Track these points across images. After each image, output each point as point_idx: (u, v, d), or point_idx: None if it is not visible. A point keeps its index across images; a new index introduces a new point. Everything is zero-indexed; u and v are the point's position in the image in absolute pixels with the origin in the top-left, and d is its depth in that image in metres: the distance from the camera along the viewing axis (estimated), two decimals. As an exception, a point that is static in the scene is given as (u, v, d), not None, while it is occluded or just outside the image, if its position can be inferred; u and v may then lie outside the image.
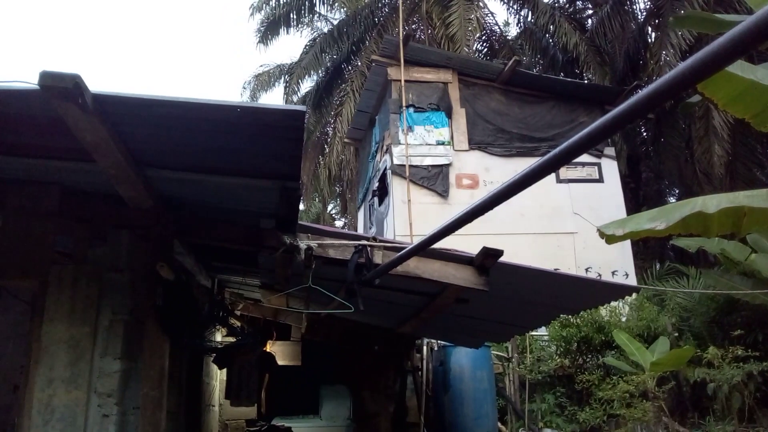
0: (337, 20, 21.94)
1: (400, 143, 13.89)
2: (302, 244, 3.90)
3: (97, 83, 2.42)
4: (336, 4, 22.47)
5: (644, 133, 20.11)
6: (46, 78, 2.29)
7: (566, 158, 1.88)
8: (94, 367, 3.62)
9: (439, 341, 9.29)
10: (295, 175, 3.26)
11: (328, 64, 20.81)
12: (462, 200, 12.95)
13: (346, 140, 18.87)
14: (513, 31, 22.16)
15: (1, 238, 3.73)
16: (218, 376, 8.57)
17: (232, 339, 6.80)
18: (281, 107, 2.81)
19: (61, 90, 2.32)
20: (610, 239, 4.97)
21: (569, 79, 16.92)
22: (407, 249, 3.65)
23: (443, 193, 13.69)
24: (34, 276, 3.74)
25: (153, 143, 3.08)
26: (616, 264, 13.46)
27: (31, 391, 3.56)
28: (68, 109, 2.44)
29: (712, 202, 4.65)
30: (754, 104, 4.70)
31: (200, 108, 2.63)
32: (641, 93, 1.52)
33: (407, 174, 13.50)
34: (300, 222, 4.00)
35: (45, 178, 3.72)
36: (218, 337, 7.17)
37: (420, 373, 9.21)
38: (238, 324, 7.52)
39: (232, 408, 8.48)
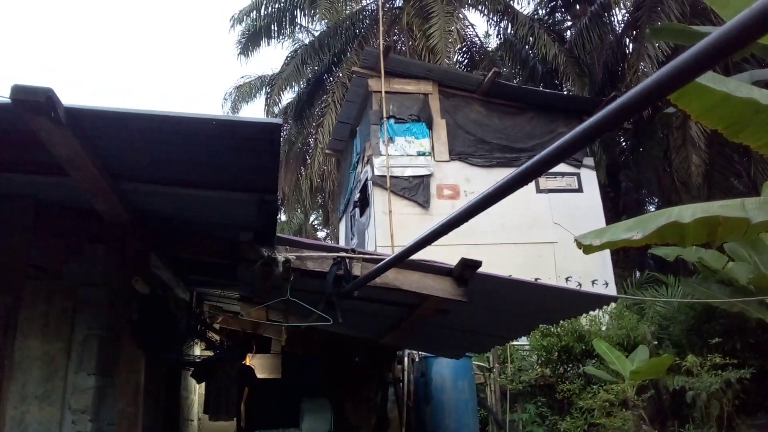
0: (319, 32, 22.02)
1: (381, 154, 13.91)
2: (280, 257, 3.88)
3: (80, 94, 2.40)
4: (317, 16, 22.47)
5: (623, 143, 20.33)
6: (18, 92, 2.27)
7: (541, 169, 1.89)
8: (68, 383, 3.57)
9: (420, 352, 9.27)
10: (273, 187, 3.25)
11: (310, 76, 20.83)
12: (443, 211, 12.96)
13: (327, 151, 18.86)
14: (493, 43, 22.43)
15: (-26, 253, 3.68)
16: (197, 390, 8.50)
17: (210, 353, 6.75)
18: (257, 120, 2.80)
19: (33, 104, 2.30)
20: (588, 249, 5.01)
21: (548, 90, 17.10)
22: (385, 260, 3.65)
23: (424, 204, 13.72)
24: (7, 291, 3.68)
25: (128, 157, 3.05)
26: (596, 273, 13.55)
27: (4, 408, 3.50)
28: (41, 123, 2.41)
29: (687, 212, 4.71)
30: (727, 116, 4.76)
31: (175, 121, 2.61)
32: (611, 106, 1.54)
33: (388, 185, 13.51)
34: (279, 234, 3.98)
35: (19, 192, 3.67)
36: (197, 351, 7.12)
37: (401, 384, 9.18)
38: (217, 338, 7.47)
39: (211, 422, 8.39)
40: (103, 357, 3.69)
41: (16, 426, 3.47)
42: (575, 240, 5.11)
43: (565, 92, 18.13)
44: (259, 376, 8.94)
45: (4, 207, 3.68)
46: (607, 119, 1.57)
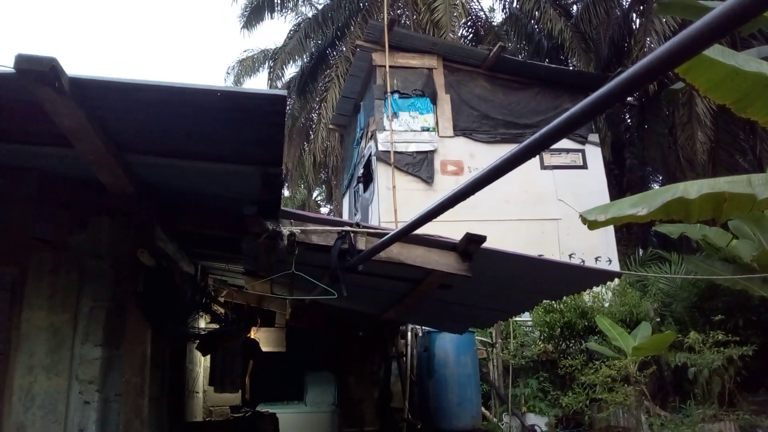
0: (322, 5, 21.77)
1: (384, 129, 13.85)
2: (285, 230, 3.88)
3: (78, 68, 2.38)
4: (320, -12, 22.29)
5: (628, 120, 20.21)
6: (22, 61, 2.25)
7: (547, 142, 1.88)
8: (75, 353, 3.59)
9: (423, 327, 9.32)
10: (278, 160, 3.23)
11: (313, 50, 20.66)
12: (447, 187, 12.89)
13: (330, 126, 18.79)
14: (498, 17, 22.21)
15: (-20, 225, 3.69)
16: (202, 363, 8.56)
17: (215, 326, 6.78)
18: (262, 91, 2.77)
19: (38, 73, 2.28)
20: (593, 225, 5.00)
21: (554, 66, 16.94)
22: (390, 235, 3.65)
23: (428, 180, 13.70)
24: (13, 263, 3.70)
25: (133, 128, 3.04)
26: (600, 250, 13.55)
27: (12, 379, 3.53)
28: (45, 93, 2.40)
29: (693, 188, 4.69)
30: (735, 90, 4.73)
31: (180, 92, 2.59)
32: (619, 77, 1.52)
33: (392, 160, 13.48)
34: (283, 208, 3.97)
35: (23, 164, 3.67)
36: (202, 324, 7.16)
37: (404, 358, 9.25)
38: (222, 311, 7.50)
39: (216, 394, 8.47)
40: (109, 328, 3.71)
41: (23, 395, 3.50)
42: (580, 215, 5.10)
43: (571, 68, 17.96)
44: (263, 349, 9.01)
45: (8, 178, 3.68)
46: (617, 89, 1.55)
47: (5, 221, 3.67)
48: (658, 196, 4.87)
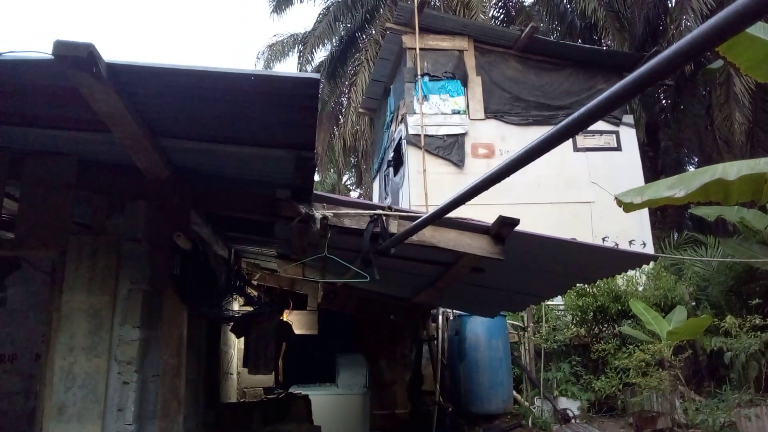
0: (351, -13, 21.67)
1: (415, 113, 13.79)
2: (318, 214, 3.89)
3: (112, 54, 2.40)
4: (349, -29, 22.15)
5: (663, 101, 19.78)
6: (60, 47, 2.28)
7: (584, 124, 1.84)
8: (113, 335, 3.67)
9: (454, 311, 9.32)
10: (310, 144, 3.24)
11: (342, 33, 20.60)
12: (478, 170, 12.83)
13: (360, 110, 18.77)
14: (529, -3, 21.82)
15: (20, 209, 3.77)
16: (236, 345, 8.69)
17: (249, 308, 6.86)
18: (295, 75, 2.77)
19: (75, 59, 2.30)
20: (628, 207, 4.92)
21: (587, 46, 16.66)
22: (423, 218, 3.64)
23: (459, 163, 13.62)
24: (53, 247, 3.78)
25: (168, 113, 3.06)
26: (634, 233, 13.37)
27: (53, 360, 3.62)
28: (82, 79, 2.42)
29: (732, 170, 4.58)
30: (778, 69, 4.60)
31: (214, 77, 2.61)
32: (663, 54, 1.48)
33: (422, 144, 13.42)
34: (315, 192, 3.99)
35: (62, 149, 3.74)
36: (236, 307, 7.25)
37: (436, 342, 9.27)
38: (255, 293, 7.58)
39: (250, 376, 8.59)
40: (147, 310, 3.78)
41: (64, 376, 3.59)
42: (615, 198, 5.02)
43: (605, 48, 17.63)
44: (296, 332, 9.09)
45: (47, 164, 3.75)
46: (660, 67, 1.51)
47: (45, 206, 3.74)
48: (695, 177, 4.77)
